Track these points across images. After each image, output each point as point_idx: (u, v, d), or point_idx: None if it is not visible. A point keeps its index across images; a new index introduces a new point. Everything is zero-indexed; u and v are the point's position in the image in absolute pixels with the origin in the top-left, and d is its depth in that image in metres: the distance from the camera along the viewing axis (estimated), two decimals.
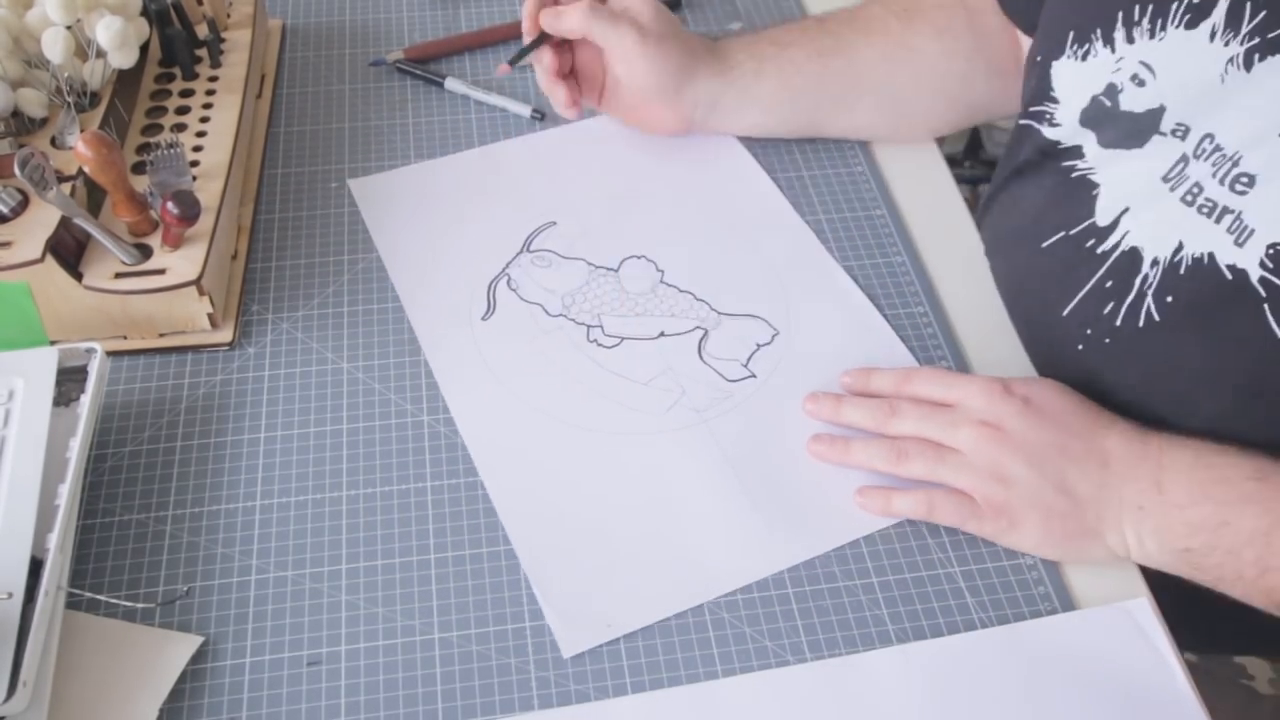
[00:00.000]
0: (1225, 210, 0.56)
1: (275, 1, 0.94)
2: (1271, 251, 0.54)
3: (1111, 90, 0.61)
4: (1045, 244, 0.66)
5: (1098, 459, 0.59)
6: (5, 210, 0.64)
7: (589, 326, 0.71)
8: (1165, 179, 0.59)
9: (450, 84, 0.87)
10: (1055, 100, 0.66)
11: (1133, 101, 0.60)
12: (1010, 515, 0.59)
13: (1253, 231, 0.55)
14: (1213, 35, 0.56)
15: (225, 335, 0.69)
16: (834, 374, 0.68)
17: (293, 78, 0.88)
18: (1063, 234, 0.65)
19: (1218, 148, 0.56)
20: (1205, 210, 0.57)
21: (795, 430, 0.65)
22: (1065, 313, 0.65)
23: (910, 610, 0.59)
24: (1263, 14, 0.54)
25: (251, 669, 0.55)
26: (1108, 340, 0.63)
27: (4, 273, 0.62)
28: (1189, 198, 0.57)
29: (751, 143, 0.82)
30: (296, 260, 0.74)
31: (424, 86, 0.88)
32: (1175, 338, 0.60)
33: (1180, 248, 0.58)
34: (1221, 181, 0.56)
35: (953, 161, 1.65)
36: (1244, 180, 0.55)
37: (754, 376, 0.68)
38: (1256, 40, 0.54)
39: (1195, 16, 0.57)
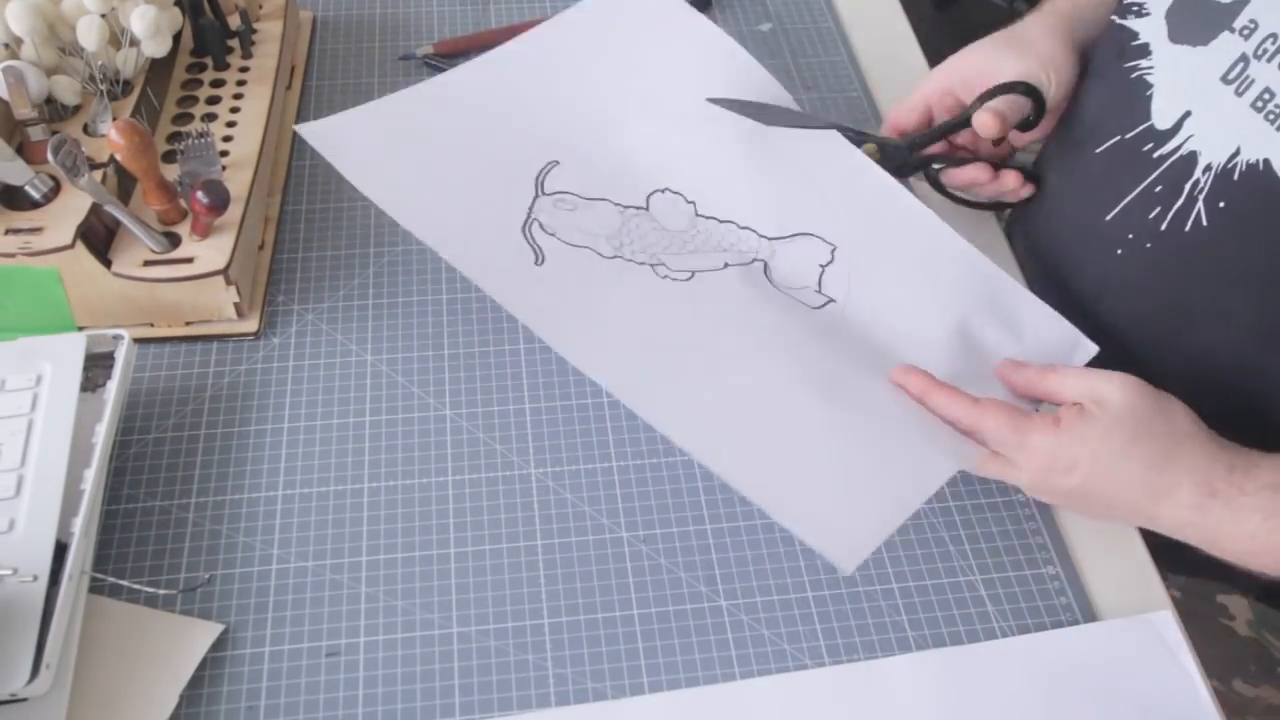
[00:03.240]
0: None
1: None
2: None
3: None
4: (1099, 149, 0.66)
5: (1145, 518, 0.58)
6: (37, 196, 0.65)
7: (652, 265, 0.64)
8: (1226, 80, 0.58)
9: None
10: None
11: None
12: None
13: None
14: None
15: (251, 325, 0.69)
16: (908, 289, 0.65)
17: (322, 70, 0.88)
18: (1118, 138, 0.65)
19: None
20: (1271, 116, 0.56)
21: (888, 355, 0.62)
22: (1109, 217, 0.65)
23: (930, 617, 0.58)
24: None
25: (271, 658, 0.55)
26: (1149, 245, 0.63)
27: (35, 258, 0.63)
28: (1259, 104, 0.56)
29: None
30: (323, 252, 0.74)
31: None
32: (1221, 243, 0.60)
33: (1237, 153, 0.57)
34: None
35: None
36: None
37: (834, 301, 0.65)
38: None
39: None
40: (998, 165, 0.72)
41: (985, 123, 0.68)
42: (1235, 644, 0.82)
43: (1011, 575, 0.60)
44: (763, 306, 0.64)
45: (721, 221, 0.68)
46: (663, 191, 0.69)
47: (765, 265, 0.66)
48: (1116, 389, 0.57)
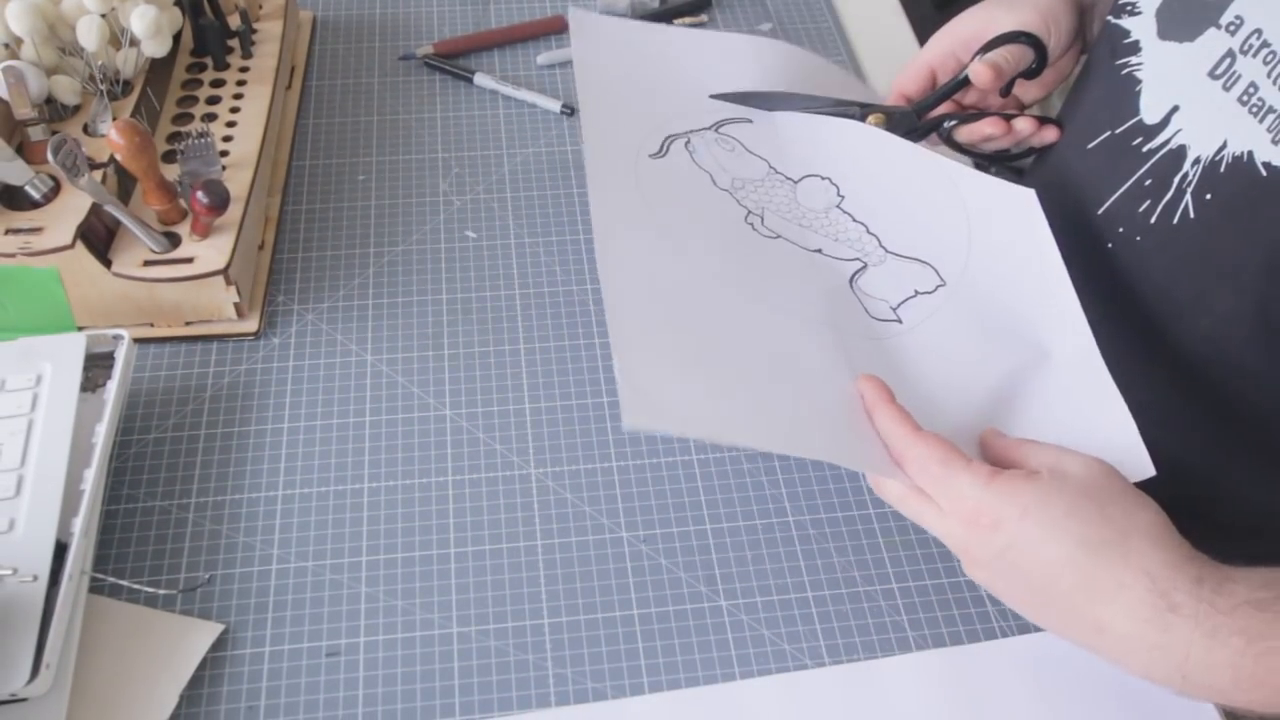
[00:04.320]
0: (1270, 109, 0.55)
1: None
2: None
3: None
4: (1091, 144, 0.67)
5: (1090, 626, 0.50)
6: (37, 196, 0.65)
7: (749, 212, 0.68)
8: (1214, 75, 0.58)
9: (479, 79, 0.87)
10: None
11: None
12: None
13: None
14: None
15: (251, 325, 0.69)
16: (986, 349, 0.61)
17: (322, 70, 0.88)
18: (1109, 133, 0.65)
19: (1265, 44, 0.55)
20: (1255, 109, 0.56)
21: (915, 389, 0.59)
22: (1101, 211, 0.66)
23: (930, 617, 0.58)
24: None
25: (271, 658, 0.55)
26: (1139, 238, 0.64)
27: (35, 258, 0.63)
28: (1245, 97, 0.56)
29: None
30: (323, 252, 0.74)
31: (453, 81, 0.88)
32: (1207, 235, 0.60)
33: (1224, 146, 0.58)
34: (1273, 80, 0.55)
35: None
36: None
37: (899, 322, 0.64)
38: None
39: None
40: (1008, 117, 0.73)
41: (979, 73, 0.70)
42: None
43: None
44: (813, 290, 0.64)
45: (855, 220, 0.69)
46: (821, 178, 0.72)
47: (863, 268, 0.67)
48: (1081, 464, 0.52)
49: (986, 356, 0.62)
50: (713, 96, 0.75)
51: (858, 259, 0.67)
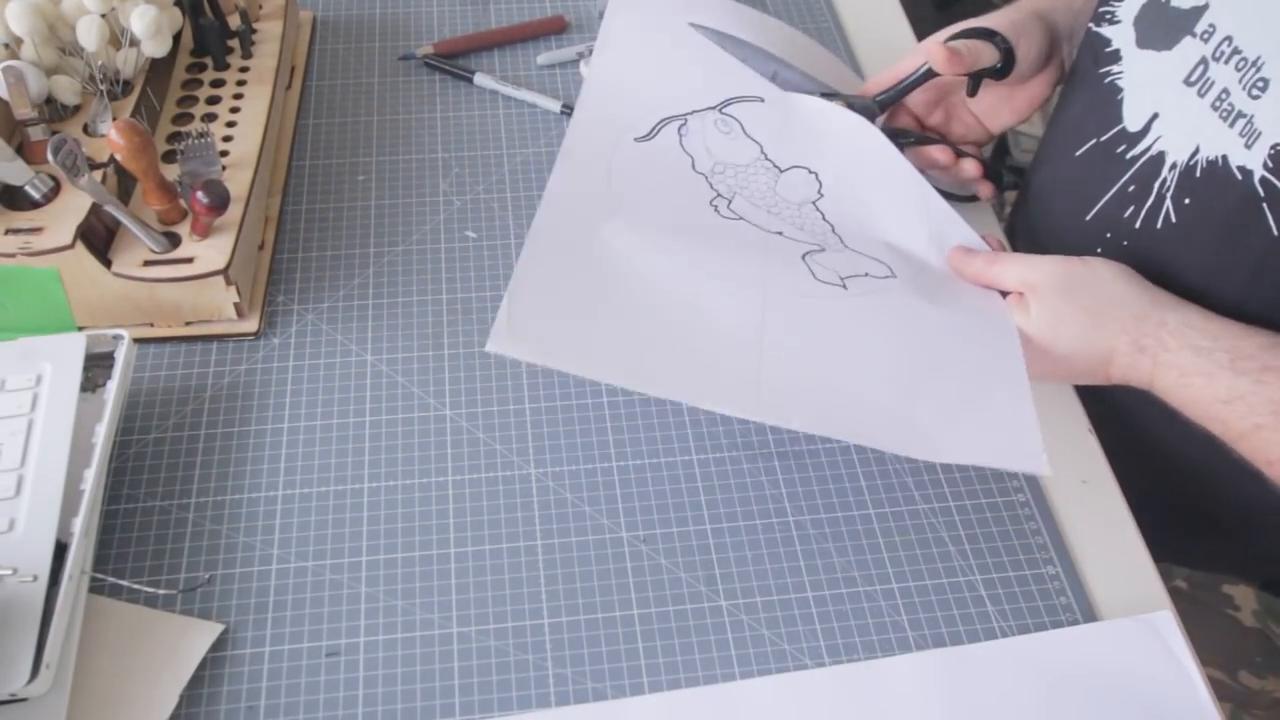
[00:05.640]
0: (1240, 114, 0.57)
1: None
2: (1273, 152, 0.55)
3: None
4: (1079, 152, 0.68)
5: (1102, 378, 0.61)
6: (37, 196, 0.65)
7: (718, 195, 0.69)
8: (1189, 82, 0.59)
9: (479, 79, 0.87)
10: None
11: None
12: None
13: (1260, 134, 0.56)
14: None
15: (251, 325, 0.69)
16: (916, 336, 0.62)
17: (322, 70, 0.88)
18: (1094, 141, 0.66)
19: (1236, 50, 0.57)
20: (1225, 114, 0.57)
21: (834, 344, 0.61)
22: (1089, 217, 0.67)
23: (930, 617, 0.58)
24: None
25: (271, 658, 0.55)
26: (1125, 243, 0.65)
27: (35, 258, 0.63)
28: (1218, 103, 0.58)
29: None
30: (323, 252, 0.74)
31: (453, 82, 0.88)
32: (1188, 238, 0.61)
33: (1197, 151, 0.59)
34: (1244, 86, 0.56)
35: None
36: (1260, 85, 0.56)
37: (844, 288, 0.64)
38: None
39: None
40: (959, 154, 0.73)
41: (934, 53, 0.69)
42: (1241, 635, 0.82)
43: (1011, 575, 0.60)
44: (756, 258, 0.65)
45: (825, 219, 0.70)
46: (808, 171, 0.72)
47: (820, 250, 0.67)
48: (1042, 275, 0.61)
49: (913, 341, 0.62)
50: (691, 25, 0.75)
51: (816, 245, 0.67)
